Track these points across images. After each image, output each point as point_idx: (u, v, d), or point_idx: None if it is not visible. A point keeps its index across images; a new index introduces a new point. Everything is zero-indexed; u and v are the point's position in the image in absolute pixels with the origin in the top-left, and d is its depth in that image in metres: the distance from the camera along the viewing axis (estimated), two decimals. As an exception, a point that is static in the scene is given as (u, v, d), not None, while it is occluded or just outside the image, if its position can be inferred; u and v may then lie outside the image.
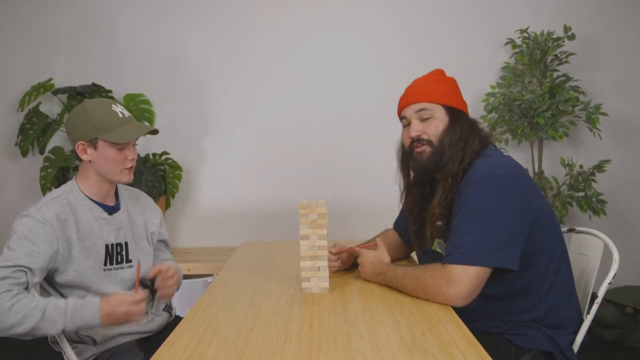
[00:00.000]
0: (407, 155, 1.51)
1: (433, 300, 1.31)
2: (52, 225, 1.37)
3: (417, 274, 1.35)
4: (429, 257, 1.53)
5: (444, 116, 1.44)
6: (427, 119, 1.44)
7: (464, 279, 1.25)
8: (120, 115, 1.46)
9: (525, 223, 1.32)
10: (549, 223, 1.40)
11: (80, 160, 1.47)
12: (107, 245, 1.49)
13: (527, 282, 1.37)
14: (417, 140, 1.44)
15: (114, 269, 1.50)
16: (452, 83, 1.51)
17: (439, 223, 1.45)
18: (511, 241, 1.29)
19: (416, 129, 1.44)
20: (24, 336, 1.29)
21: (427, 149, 1.44)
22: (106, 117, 1.43)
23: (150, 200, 1.71)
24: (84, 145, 1.44)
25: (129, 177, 1.49)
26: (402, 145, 1.56)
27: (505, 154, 1.48)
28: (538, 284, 1.38)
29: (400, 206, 1.70)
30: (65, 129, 1.51)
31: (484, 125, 1.53)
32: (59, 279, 1.41)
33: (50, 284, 1.45)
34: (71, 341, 1.46)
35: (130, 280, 1.53)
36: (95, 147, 1.44)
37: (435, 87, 1.46)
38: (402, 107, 1.50)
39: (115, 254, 1.51)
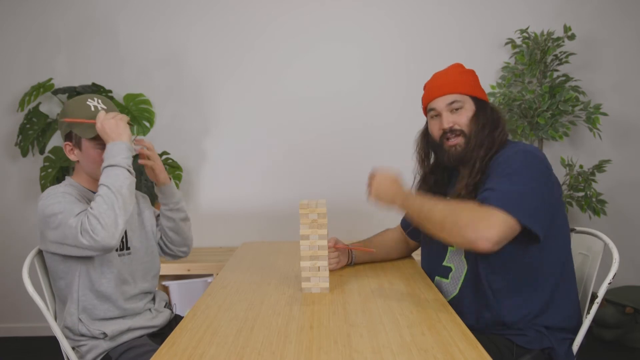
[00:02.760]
0: (437, 147, 1.53)
1: (458, 236, 1.23)
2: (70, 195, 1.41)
3: (454, 207, 1.28)
4: (435, 249, 1.55)
5: (473, 106, 1.48)
6: (458, 109, 1.47)
7: (501, 225, 1.21)
8: (92, 109, 1.45)
9: (553, 199, 1.34)
10: (561, 217, 1.41)
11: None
12: None
13: (536, 273, 1.38)
14: (451, 132, 1.47)
15: (119, 255, 1.53)
16: (474, 75, 1.54)
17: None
18: (543, 209, 1.30)
19: (449, 120, 1.47)
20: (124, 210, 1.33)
21: (460, 140, 1.46)
22: (78, 111, 1.44)
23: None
24: (70, 146, 1.48)
25: None
26: (426, 137, 1.60)
27: None
28: (545, 277, 1.38)
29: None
30: None
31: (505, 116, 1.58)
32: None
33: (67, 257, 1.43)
34: (81, 336, 1.46)
35: (131, 264, 1.56)
36: (80, 147, 1.46)
37: (462, 78, 1.50)
38: (431, 98, 1.52)
39: None
